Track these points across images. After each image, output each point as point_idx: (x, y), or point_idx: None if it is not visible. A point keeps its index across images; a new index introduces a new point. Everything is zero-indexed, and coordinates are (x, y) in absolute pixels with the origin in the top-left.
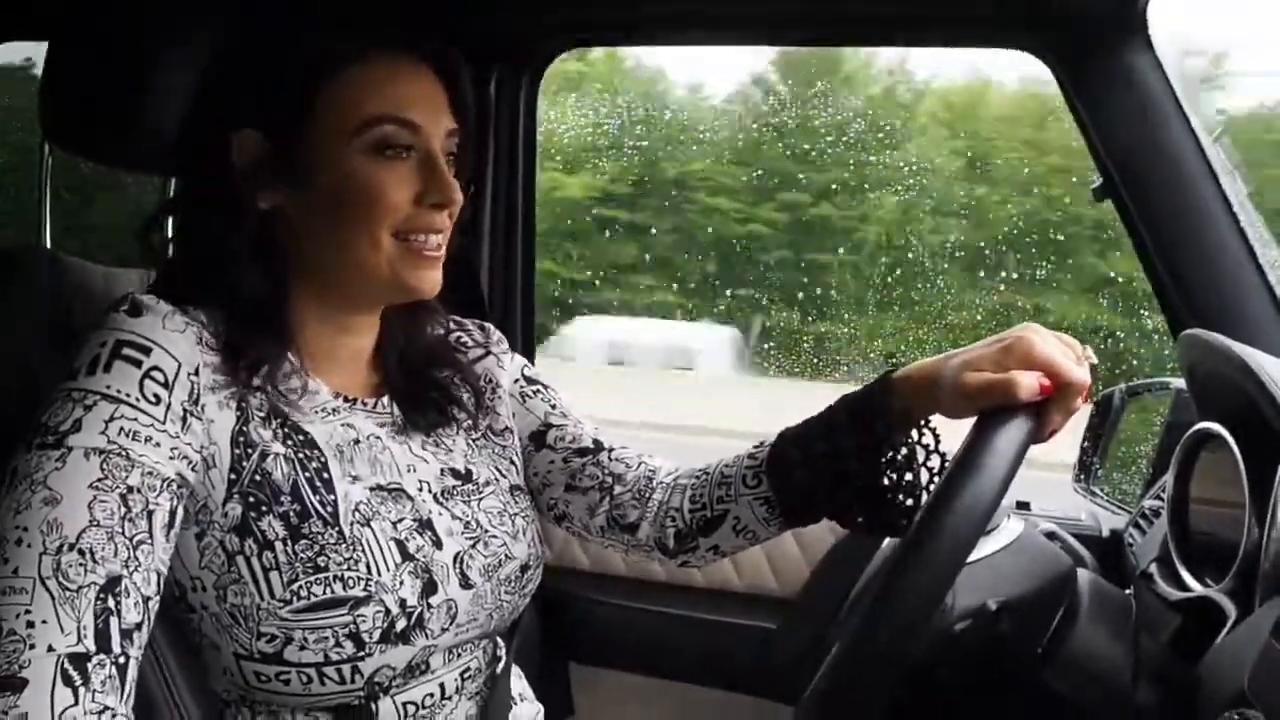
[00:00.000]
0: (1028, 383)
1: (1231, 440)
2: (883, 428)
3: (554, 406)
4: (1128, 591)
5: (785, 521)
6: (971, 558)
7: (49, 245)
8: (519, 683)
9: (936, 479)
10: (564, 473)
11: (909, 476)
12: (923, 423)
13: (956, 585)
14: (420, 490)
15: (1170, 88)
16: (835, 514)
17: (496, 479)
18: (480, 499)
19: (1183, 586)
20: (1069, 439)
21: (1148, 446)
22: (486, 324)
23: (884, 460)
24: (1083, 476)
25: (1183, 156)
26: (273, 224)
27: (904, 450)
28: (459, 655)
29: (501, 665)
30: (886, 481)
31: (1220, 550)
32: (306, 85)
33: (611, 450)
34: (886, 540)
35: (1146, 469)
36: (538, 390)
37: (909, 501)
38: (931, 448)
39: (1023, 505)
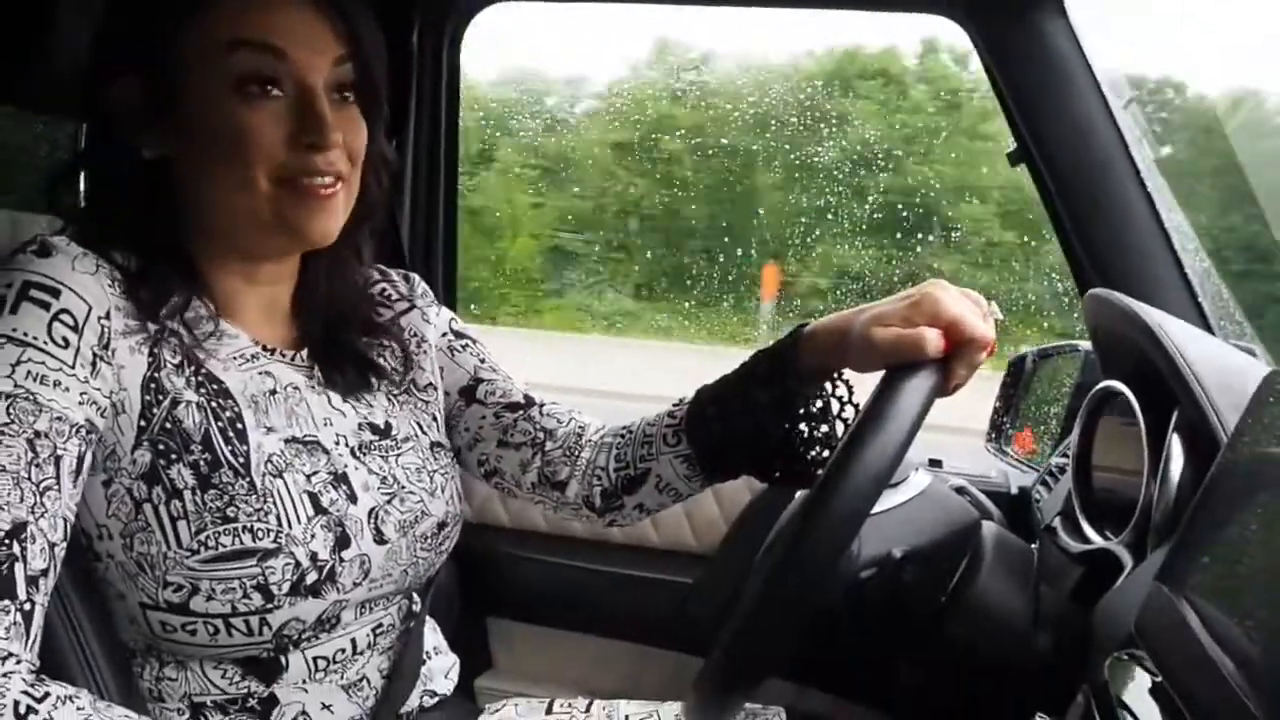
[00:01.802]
0: (934, 339)
1: (1132, 397)
2: (794, 381)
3: (483, 361)
4: (1033, 545)
5: (706, 478)
6: (878, 508)
7: None
8: (434, 636)
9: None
10: (495, 428)
11: (824, 429)
12: (836, 375)
13: (862, 534)
14: (337, 444)
15: (1083, 55)
16: (753, 468)
17: (416, 435)
18: (399, 455)
19: (1084, 539)
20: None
21: (1057, 407)
22: (412, 275)
23: (798, 414)
24: (994, 436)
25: (1094, 122)
26: (162, 170)
27: (818, 404)
28: (371, 610)
29: (416, 621)
30: (802, 434)
31: (1120, 505)
32: (172, 20)
33: (542, 405)
34: (799, 494)
35: (1055, 428)
36: (465, 345)
37: (824, 454)
38: (845, 399)
39: (935, 462)
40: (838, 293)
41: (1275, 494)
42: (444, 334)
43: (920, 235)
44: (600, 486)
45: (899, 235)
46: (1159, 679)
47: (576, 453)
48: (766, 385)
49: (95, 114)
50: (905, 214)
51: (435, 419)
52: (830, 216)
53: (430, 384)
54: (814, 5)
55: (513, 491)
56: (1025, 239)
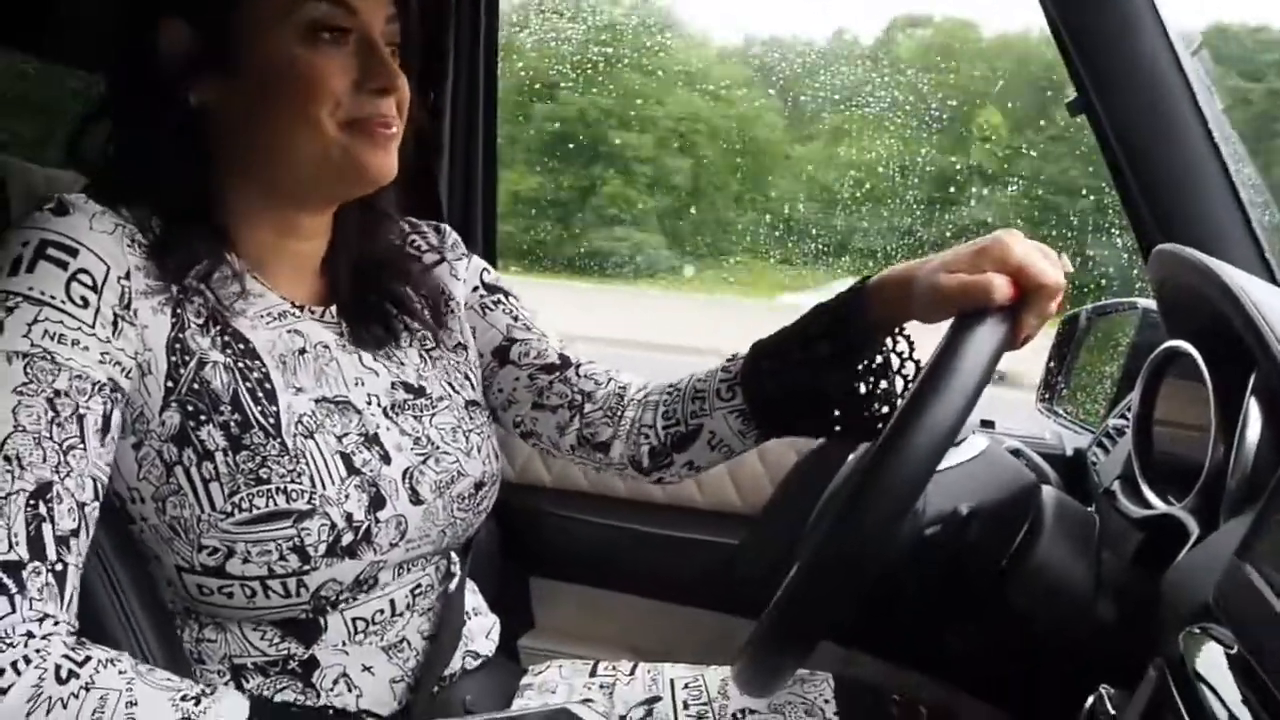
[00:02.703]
0: (1001, 284)
1: (1199, 358)
2: (857, 335)
3: (516, 319)
4: (1091, 509)
5: (761, 433)
6: (940, 466)
7: None
8: (474, 597)
9: (911, 386)
10: (530, 390)
11: (884, 384)
12: (897, 330)
13: (927, 491)
14: (369, 404)
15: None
16: (810, 423)
17: (450, 394)
18: (433, 415)
19: (1146, 504)
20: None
21: (1113, 366)
22: (443, 225)
23: (859, 368)
24: (1047, 396)
25: (1159, 70)
26: (204, 120)
27: (879, 358)
28: (409, 571)
29: (455, 582)
30: (862, 389)
31: (1184, 469)
32: None
33: (579, 366)
34: (851, 456)
35: (1111, 389)
36: (498, 300)
37: (884, 409)
38: (906, 355)
39: (987, 424)
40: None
41: None
42: (475, 288)
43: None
44: (649, 445)
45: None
46: (1236, 652)
47: (619, 412)
48: (827, 338)
49: (136, 61)
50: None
51: (468, 377)
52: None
53: (460, 344)
54: None
55: (551, 452)
56: None
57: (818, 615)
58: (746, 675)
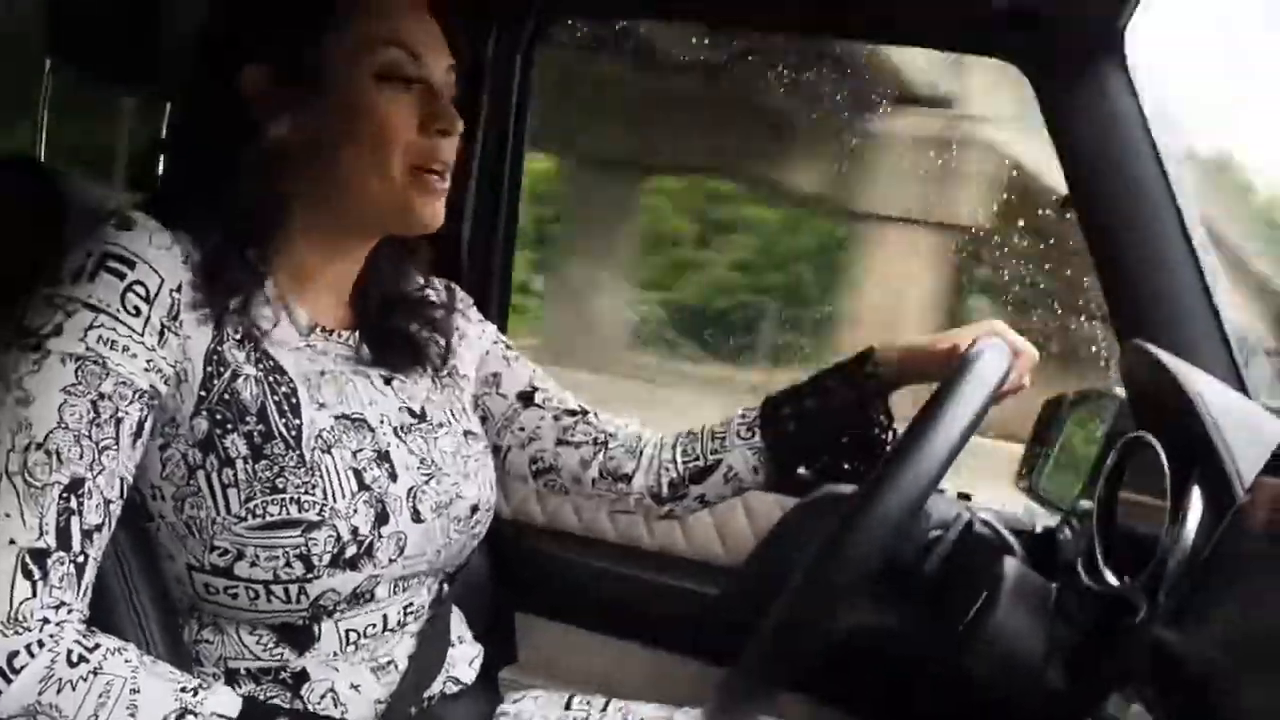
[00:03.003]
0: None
1: (1160, 448)
2: (868, 382)
3: (535, 372)
4: (1053, 584)
5: (773, 470)
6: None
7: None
8: (460, 626)
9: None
10: (554, 429)
11: (889, 436)
12: (884, 406)
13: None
14: (382, 423)
15: (1140, 109)
16: (823, 463)
17: (451, 422)
18: (436, 438)
19: (1102, 582)
20: None
21: (1088, 450)
22: (453, 285)
23: (867, 418)
24: (1025, 474)
25: (1146, 177)
26: (277, 152)
27: (884, 415)
28: (404, 589)
29: (443, 608)
30: (870, 434)
31: (1140, 550)
32: (315, 12)
33: (597, 413)
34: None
35: (1085, 472)
36: (518, 356)
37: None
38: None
39: (964, 496)
40: None
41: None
42: (495, 342)
43: None
44: (669, 477)
45: None
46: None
47: (639, 449)
48: (842, 388)
49: (216, 97)
50: None
51: (466, 409)
52: None
53: (465, 375)
54: (875, 39)
55: (565, 487)
56: None
57: (785, 666)
58: (717, 713)
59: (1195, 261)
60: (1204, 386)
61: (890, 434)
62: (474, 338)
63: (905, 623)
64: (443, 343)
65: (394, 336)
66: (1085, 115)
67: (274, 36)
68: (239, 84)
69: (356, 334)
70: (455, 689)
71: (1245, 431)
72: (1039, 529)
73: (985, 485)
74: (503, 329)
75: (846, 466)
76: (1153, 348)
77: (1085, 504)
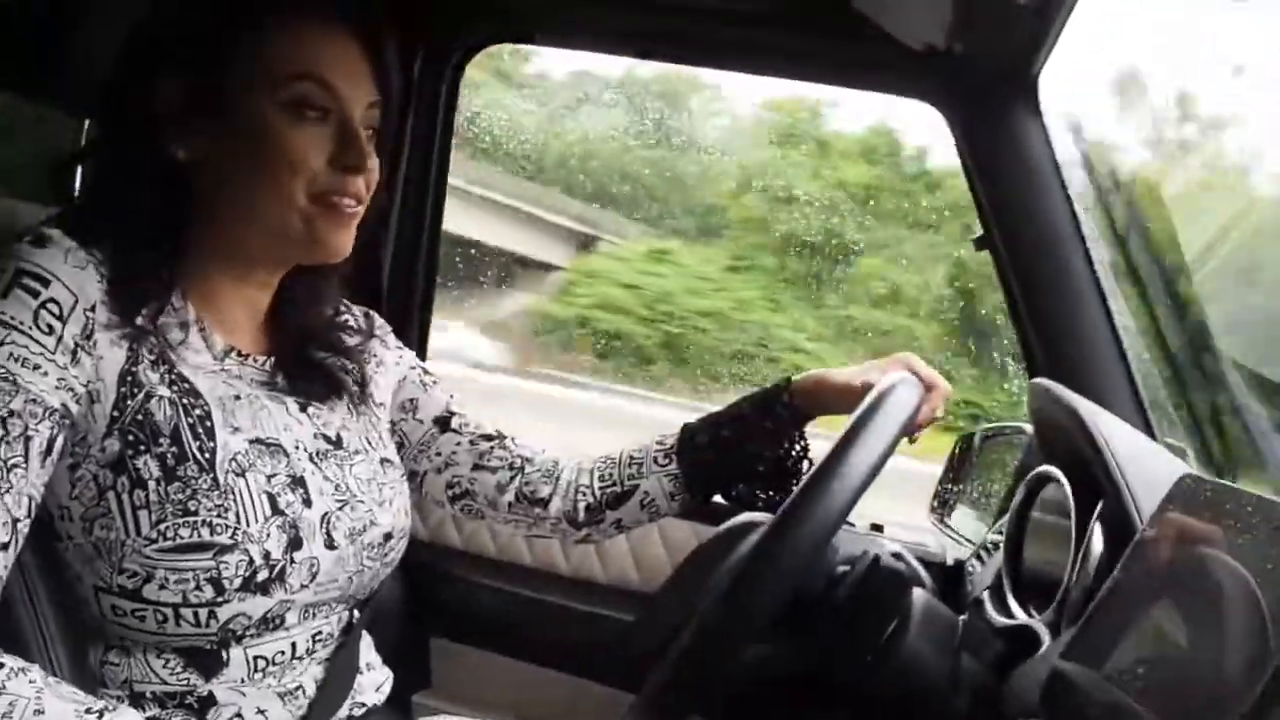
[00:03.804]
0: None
1: (1065, 484)
2: (779, 419)
3: (452, 398)
4: (962, 616)
5: (688, 496)
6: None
7: None
8: (368, 652)
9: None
10: (471, 454)
11: (804, 465)
12: (799, 434)
13: (838, 538)
14: (297, 448)
15: (1052, 153)
16: (739, 491)
17: (367, 449)
18: (352, 465)
19: (1009, 614)
20: None
21: (998, 485)
22: (371, 312)
23: (780, 449)
24: (937, 507)
25: (1057, 218)
26: (186, 172)
27: (799, 445)
28: (314, 616)
29: (352, 635)
30: (785, 463)
31: (1046, 585)
32: (233, 35)
33: (514, 439)
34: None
35: (995, 506)
36: (436, 381)
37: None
38: (803, 452)
39: (876, 527)
40: None
41: (1173, 588)
42: (413, 367)
43: None
44: (585, 502)
45: None
46: None
47: (556, 474)
48: (756, 416)
49: (129, 112)
50: None
51: (382, 436)
52: None
53: (382, 403)
54: (793, 77)
55: (482, 512)
56: None
57: (693, 693)
58: None
59: (1103, 302)
60: (1106, 425)
61: (806, 463)
62: (390, 364)
63: (812, 653)
64: (358, 373)
65: (309, 366)
66: (999, 157)
67: (186, 57)
68: (149, 101)
69: (273, 359)
70: (361, 711)
71: (1145, 469)
72: (950, 561)
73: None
74: (421, 355)
75: (762, 495)
76: (1057, 387)
77: (994, 537)
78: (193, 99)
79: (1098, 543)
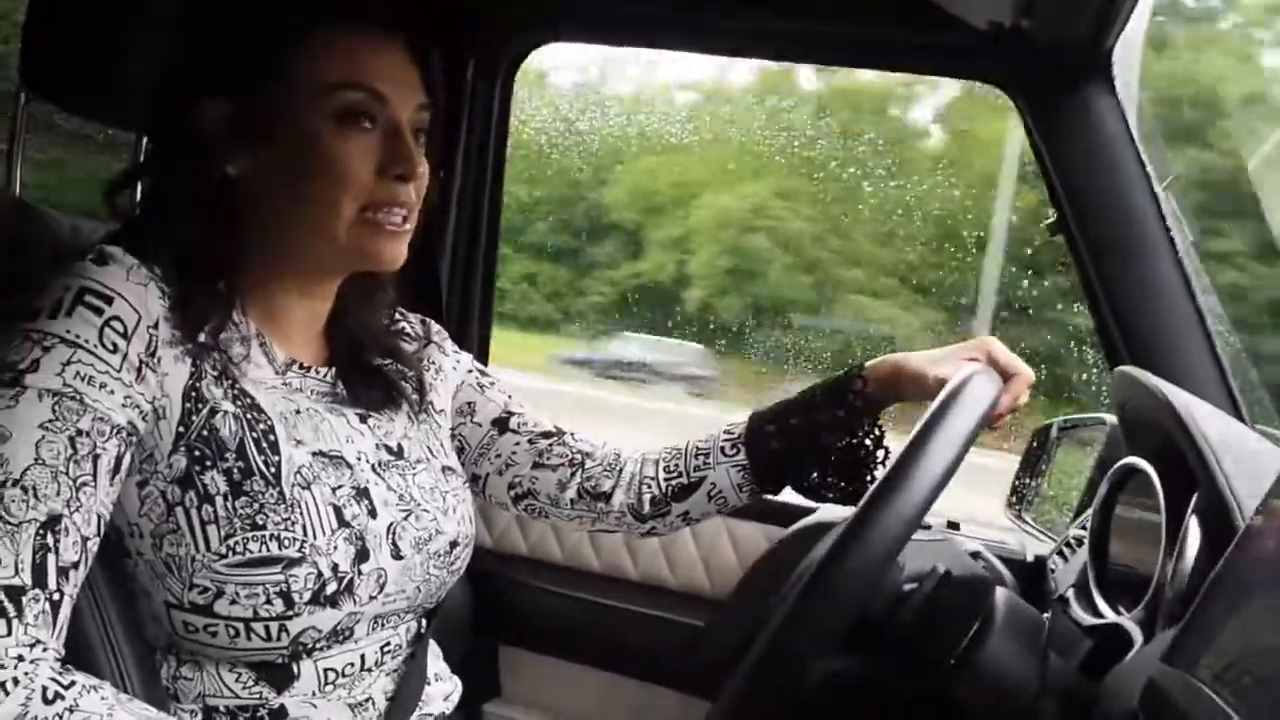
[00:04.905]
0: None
1: (1154, 475)
2: (853, 408)
3: (510, 397)
4: (1045, 614)
5: (757, 488)
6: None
7: (18, 194)
8: (436, 662)
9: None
10: (530, 453)
11: (879, 454)
12: (875, 421)
13: (905, 551)
14: (359, 460)
15: (1129, 133)
16: (804, 482)
17: (428, 458)
18: (414, 474)
19: (1096, 613)
20: None
21: (1078, 478)
22: (428, 319)
23: (853, 439)
24: (1014, 503)
25: (1134, 199)
26: (234, 189)
27: (873, 434)
28: (383, 627)
29: (421, 646)
30: (859, 453)
31: (1135, 580)
32: (275, 50)
33: (574, 434)
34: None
35: (1075, 500)
36: (493, 383)
37: (873, 475)
38: (878, 440)
39: (953, 525)
40: None
41: None
42: (470, 371)
43: None
44: (650, 494)
45: None
46: None
47: (618, 468)
48: (827, 406)
49: (178, 129)
50: None
51: (444, 444)
52: None
53: (443, 410)
54: (856, 64)
55: (545, 511)
56: None
57: (769, 701)
58: None
59: (1187, 284)
60: (1198, 412)
61: (881, 452)
62: (449, 370)
63: (881, 669)
64: (417, 380)
65: (368, 375)
66: (1072, 138)
67: (234, 72)
68: (197, 119)
69: (333, 370)
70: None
71: (1242, 458)
72: (1030, 558)
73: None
74: (483, 360)
75: (835, 486)
76: (1144, 374)
77: (1076, 532)
78: (239, 115)
79: (1194, 537)
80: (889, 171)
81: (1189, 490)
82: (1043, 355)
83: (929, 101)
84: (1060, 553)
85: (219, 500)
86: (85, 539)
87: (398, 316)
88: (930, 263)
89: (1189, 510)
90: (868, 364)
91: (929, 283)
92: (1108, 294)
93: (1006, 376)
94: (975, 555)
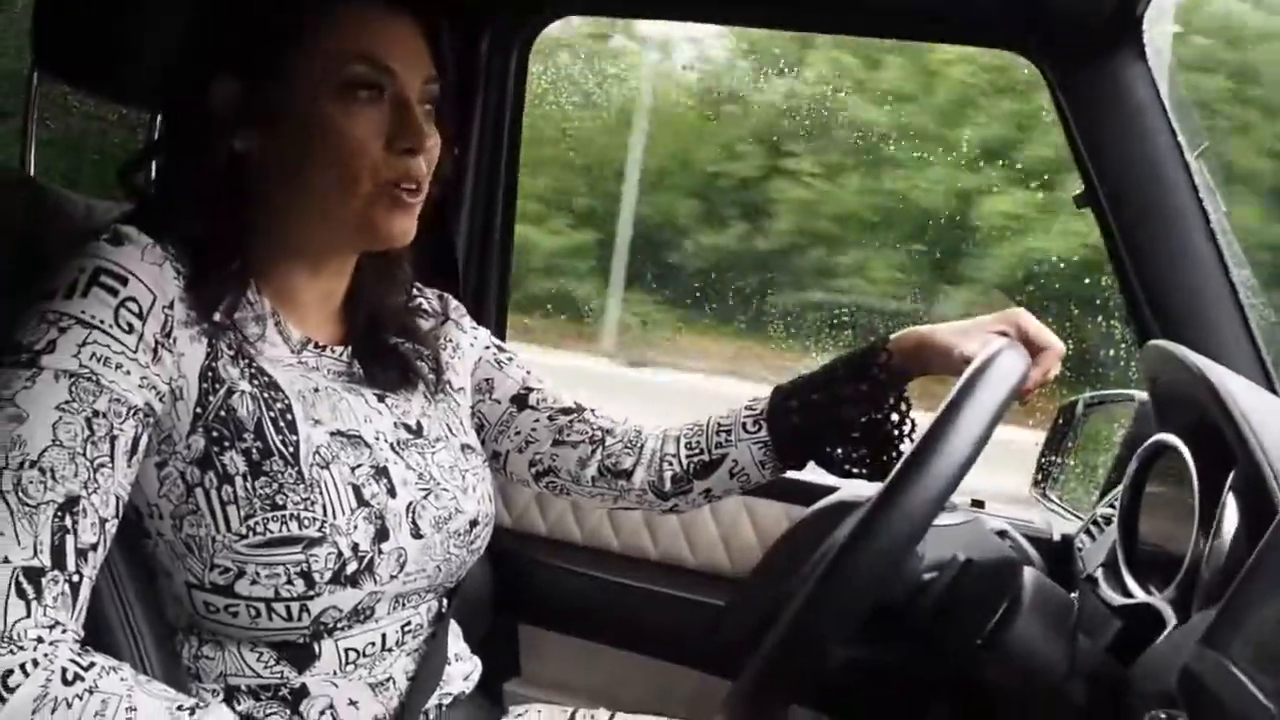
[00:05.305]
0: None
1: (1186, 452)
2: (880, 374)
3: (529, 373)
4: (1073, 594)
5: (780, 465)
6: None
7: (32, 173)
8: (456, 642)
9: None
10: (550, 429)
11: (904, 428)
12: (901, 393)
13: (925, 539)
14: (377, 439)
15: (1159, 99)
16: (828, 458)
17: (447, 436)
18: (433, 453)
19: (1126, 593)
20: None
21: (1106, 456)
22: (445, 294)
23: (878, 413)
24: (1040, 481)
25: (1166, 169)
26: (244, 166)
27: (898, 408)
28: (403, 606)
29: (441, 625)
30: (883, 428)
31: (1166, 560)
32: (282, 25)
33: (594, 410)
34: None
35: (1103, 477)
36: (511, 358)
37: (898, 450)
38: (906, 412)
39: (977, 504)
40: None
41: None
42: (487, 347)
43: None
44: (672, 471)
45: None
46: None
47: (639, 444)
48: (850, 380)
49: (189, 108)
50: None
51: (463, 422)
52: None
53: (461, 388)
54: (881, 34)
55: (567, 489)
56: None
57: (796, 671)
58: None
59: (1220, 256)
60: (1235, 387)
61: (907, 425)
62: (466, 347)
63: (904, 654)
64: (433, 359)
65: (384, 355)
66: (1102, 108)
67: (243, 49)
68: (206, 96)
69: (349, 349)
70: (450, 702)
71: None
72: (1057, 537)
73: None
74: (500, 335)
75: (859, 462)
76: (1178, 347)
77: (1104, 510)
78: (248, 92)
79: (1231, 515)
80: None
81: (1224, 467)
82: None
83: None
84: (1088, 531)
85: (238, 481)
86: (103, 520)
87: (414, 292)
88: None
89: (1226, 488)
90: (892, 337)
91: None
92: (1137, 267)
93: (1035, 350)
94: (1001, 534)
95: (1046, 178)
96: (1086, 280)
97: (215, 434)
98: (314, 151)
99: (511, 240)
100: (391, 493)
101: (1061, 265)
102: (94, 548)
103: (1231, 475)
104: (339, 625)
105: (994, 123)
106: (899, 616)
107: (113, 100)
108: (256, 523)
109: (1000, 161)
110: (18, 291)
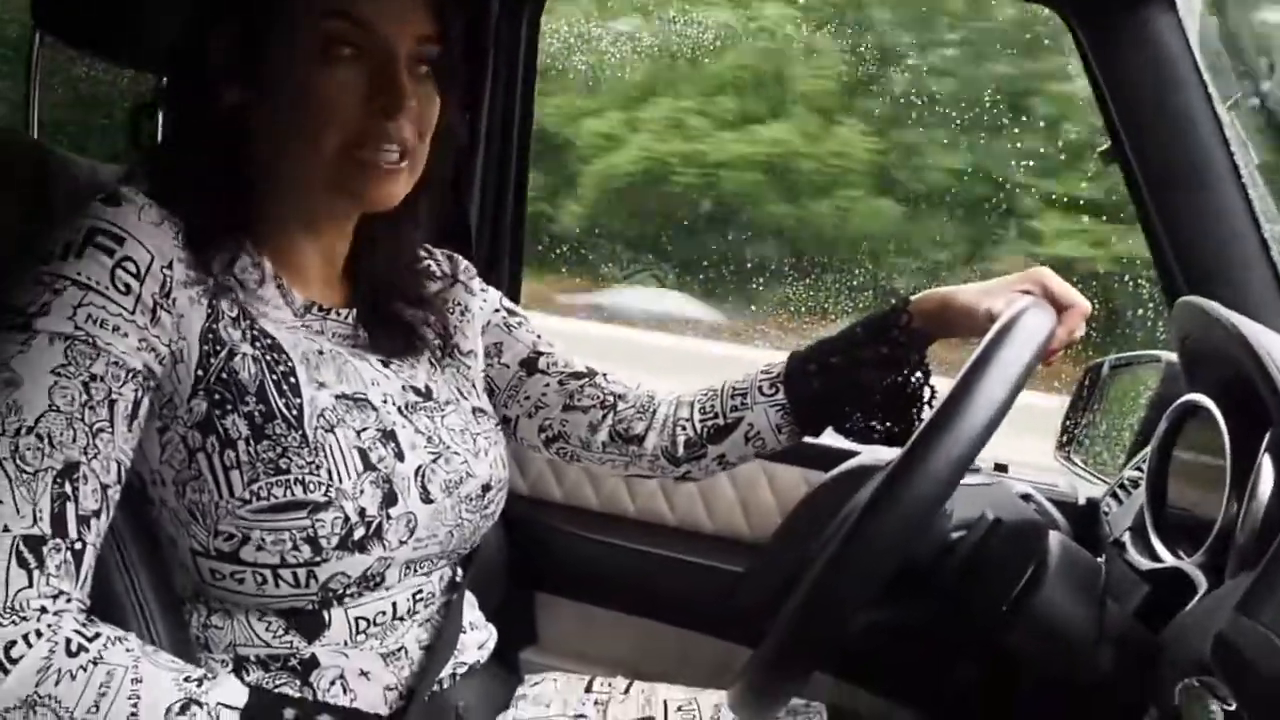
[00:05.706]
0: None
1: (1218, 413)
2: (898, 344)
3: (540, 337)
4: (1100, 559)
5: (796, 429)
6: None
7: (35, 136)
8: (471, 611)
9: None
10: (560, 394)
11: (926, 393)
12: (921, 357)
13: (953, 498)
14: (385, 402)
15: (1189, 50)
16: (847, 422)
17: (458, 399)
18: (443, 416)
19: (1155, 557)
20: None
21: (1131, 418)
22: (455, 255)
23: (898, 376)
24: (1064, 444)
25: (1196, 121)
26: (239, 122)
27: (919, 371)
28: (415, 573)
29: (456, 594)
30: (904, 391)
31: (1195, 524)
32: None
33: (605, 374)
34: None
35: (1129, 440)
36: (521, 321)
37: (919, 414)
38: (924, 379)
39: (1001, 467)
40: None
41: None
42: (496, 310)
43: None
44: (685, 436)
45: None
46: (1233, 709)
47: (651, 409)
48: (870, 343)
49: (187, 62)
50: None
51: (475, 385)
52: None
53: (471, 350)
54: None
55: (577, 454)
56: None
57: (816, 640)
58: (742, 700)
59: (1251, 212)
60: (1271, 343)
61: (927, 390)
62: (475, 310)
63: (929, 618)
64: (440, 326)
65: (389, 321)
66: (1131, 60)
67: (234, 5)
68: (204, 52)
69: (354, 311)
70: (464, 671)
71: None
72: (1082, 501)
73: None
74: (514, 299)
75: (879, 427)
76: (1211, 304)
77: (1131, 473)
78: (241, 47)
79: (1268, 477)
80: None
81: (1259, 428)
82: None
83: None
84: (1114, 495)
85: (241, 445)
86: (105, 486)
87: (422, 254)
88: None
89: (1261, 449)
90: (913, 298)
91: None
92: (1166, 222)
93: (1061, 309)
94: (1026, 498)
95: None
96: None
97: (217, 397)
98: (293, 111)
99: (524, 204)
100: (400, 456)
101: None
102: (96, 514)
103: (1268, 436)
104: (348, 592)
105: None
106: (925, 576)
107: (113, 60)
108: (260, 487)
109: None
110: (24, 255)
